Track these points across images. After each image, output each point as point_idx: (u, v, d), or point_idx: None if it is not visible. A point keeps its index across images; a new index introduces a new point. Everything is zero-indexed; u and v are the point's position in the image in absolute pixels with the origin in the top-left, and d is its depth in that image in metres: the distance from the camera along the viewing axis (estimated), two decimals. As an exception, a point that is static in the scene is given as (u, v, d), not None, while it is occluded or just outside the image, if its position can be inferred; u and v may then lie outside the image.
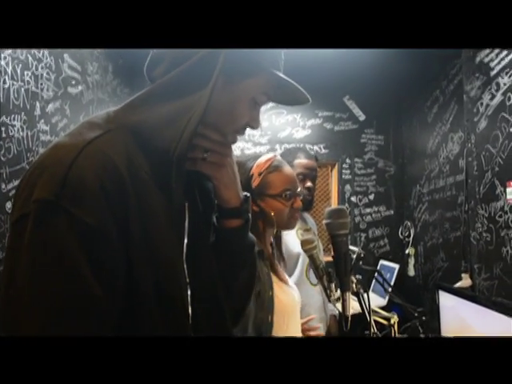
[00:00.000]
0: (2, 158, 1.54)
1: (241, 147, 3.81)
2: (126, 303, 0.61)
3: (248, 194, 0.86)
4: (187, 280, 0.72)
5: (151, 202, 0.65)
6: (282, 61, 0.77)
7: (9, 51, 1.60)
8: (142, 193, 0.64)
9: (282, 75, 0.74)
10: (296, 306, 1.34)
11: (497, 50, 2.31)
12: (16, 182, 1.63)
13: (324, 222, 1.13)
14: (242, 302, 0.89)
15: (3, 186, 1.54)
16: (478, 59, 2.50)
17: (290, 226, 1.36)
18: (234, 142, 0.78)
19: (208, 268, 0.78)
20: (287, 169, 1.34)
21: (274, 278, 1.29)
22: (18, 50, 1.68)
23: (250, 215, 0.85)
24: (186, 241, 0.73)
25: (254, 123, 0.77)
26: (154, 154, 0.67)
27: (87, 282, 0.56)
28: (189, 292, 0.72)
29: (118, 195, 0.59)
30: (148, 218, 0.64)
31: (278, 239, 1.44)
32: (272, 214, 1.27)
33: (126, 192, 0.61)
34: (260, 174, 1.29)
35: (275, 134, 3.88)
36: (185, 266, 0.72)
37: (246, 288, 0.89)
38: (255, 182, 1.28)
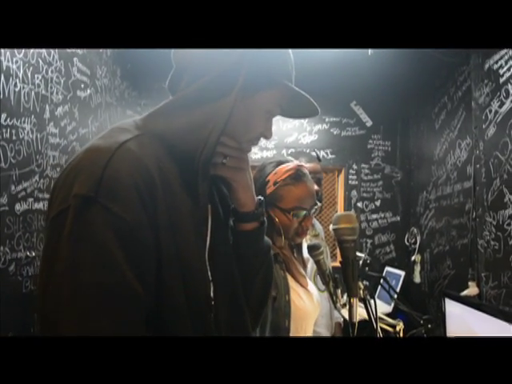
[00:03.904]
0: (12, 160, 1.55)
1: (247, 152, 3.81)
2: (155, 296, 0.64)
3: (262, 198, 0.88)
4: (210, 278, 0.75)
5: (178, 202, 0.69)
6: (293, 74, 0.80)
7: (20, 55, 1.62)
8: (170, 193, 0.68)
9: (295, 87, 0.78)
10: (315, 312, 1.32)
11: (506, 57, 2.30)
12: (25, 184, 1.64)
13: (332, 227, 1.13)
14: (259, 303, 0.91)
15: (12, 187, 1.55)
16: (486, 66, 2.50)
17: (295, 241, 1.32)
18: (249, 150, 0.82)
19: (228, 268, 0.82)
20: (305, 185, 1.25)
21: (292, 283, 1.27)
22: (29, 54, 1.69)
23: (265, 218, 0.88)
24: (208, 240, 0.77)
25: (268, 133, 0.81)
26: (180, 158, 0.72)
27: (124, 274, 0.59)
28: (212, 288, 0.75)
29: (149, 194, 0.63)
30: (175, 217, 0.68)
31: (300, 245, 1.42)
32: (279, 225, 1.23)
33: (155, 191, 0.65)
34: (275, 184, 1.23)
35: (282, 139, 3.88)
36: (207, 264, 0.75)
37: (263, 290, 0.91)
38: (269, 190, 1.23)
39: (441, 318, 2.14)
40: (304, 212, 1.24)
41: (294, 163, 1.28)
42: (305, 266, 1.44)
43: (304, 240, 1.87)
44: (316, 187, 1.99)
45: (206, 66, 0.72)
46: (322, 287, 1.87)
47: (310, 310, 1.30)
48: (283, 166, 1.26)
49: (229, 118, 0.70)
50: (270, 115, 0.80)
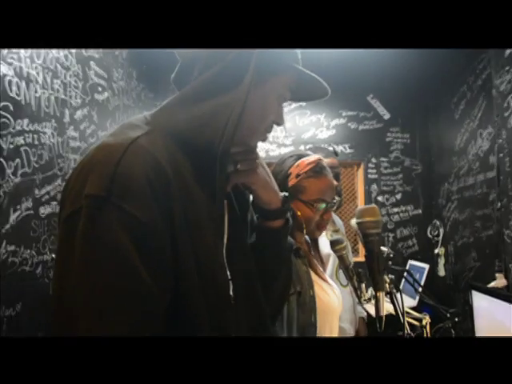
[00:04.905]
0: (35, 165, 1.58)
1: (265, 149, 3.81)
2: (173, 296, 0.62)
3: (287, 194, 0.86)
4: (228, 276, 0.73)
5: (193, 198, 0.67)
6: (300, 55, 0.78)
7: (39, 61, 1.64)
8: (185, 189, 0.65)
9: (303, 69, 0.76)
10: (339, 306, 1.32)
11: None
12: (48, 188, 1.67)
13: (355, 221, 1.11)
14: (279, 301, 0.90)
15: (36, 191, 1.58)
16: (507, 52, 2.43)
17: (315, 235, 1.32)
18: (265, 139, 0.79)
19: (247, 265, 0.79)
20: (327, 178, 1.28)
21: (314, 277, 1.27)
22: (48, 60, 1.72)
23: (290, 217, 0.86)
24: (226, 237, 0.75)
25: (280, 119, 0.79)
26: (194, 153, 0.69)
27: (140, 275, 0.57)
28: (231, 287, 0.73)
29: (163, 191, 0.61)
30: (190, 214, 0.65)
31: (315, 241, 1.41)
32: (301, 218, 1.24)
33: (170, 188, 0.62)
34: (298, 176, 1.25)
35: (299, 135, 3.87)
36: (225, 261, 0.73)
37: (284, 287, 0.90)
38: (291, 182, 1.25)
39: (468, 311, 2.10)
40: (325, 204, 1.25)
41: (314, 156, 1.30)
42: (322, 263, 1.43)
43: (324, 235, 1.86)
44: (334, 182, 1.98)
45: (217, 54, 0.69)
46: (345, 282, 1.86)
47: (335, 304, 1.29)
48: (305, 159, 1.28)
49: (244, 106, 0.68)
50: (282, 100, 0.78)
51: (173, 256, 0.62)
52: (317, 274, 1.30)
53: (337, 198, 1.33)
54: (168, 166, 0.63)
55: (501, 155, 2.55)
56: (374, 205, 1.17)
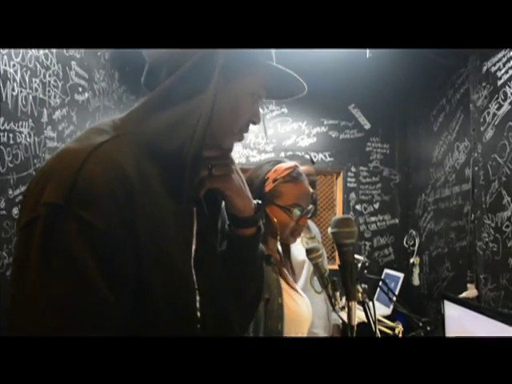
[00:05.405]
0: (10, 165, 1.55)
1: (246, 155, 3.81)
2: (135, 306, 0.60)
3: (260, 202, 0.86)
4: (196, 285, 0.71)
5: (159, 206, 0.65)
6: (274, 52, 0.77)
7: (18, 59, 1.62)
8: (150, 197, 0.63)
9: (277, 65, 0.74)
10: (309, 316, 1.32)
11: (504, 59, 2.31)
12: (23, 188, 1.64)
13: (330, 231, 1.12)
14: (250, 310, 0.89)
15: (10, 191, 1.55)
16: (484, 68, 2.50)
17: (289, 241, 1.33)
18: (241, 139, 0.78)
19: (216, 274, 0.77)
20: (304, 184, 1.30)
21: (284, 285, 1.27)
22: (27, 58, 1.69)
23: (262, 224, 0.85)
24: (194, 245, 0.73)
25: (256, 118, 0.77)
26: (162, 158, 0.67)
27: (97, 285, 0.55)
28: (198, 297, 0.71)
29: (126, 199, 0.59)
30: (156, 222, 0.63)
31: (288, 250, 1.42)
32: (276, 224, 1.24)
33: (134, 196, 0.60)
34: (275, 181, 1.26)
35: (280, 142, 3.88)
36: (193, 271, 0.71)
37: (255, 295, 0.89)
38: (268, 187, 1.26)
39: (440, 321, 2.14)
40: (301, 210, 1.26)
41: (291, 163, 1.32)
42: (293, 273, 1.43)
43: (300, 243, 1.87)
44: (310, 189, 2.00)
45: (183, 55, 0.67)
46: (319, 289, 1.87)
47: (304, 314, 1.29)
48: (282, 164, 1.29)
49: (214, 107, 0.66)
50: (256, 98, 0.76)
51: (135, 266, 0.60)
52: (287, 282, 1.30)
53: (311, 205, 1.34)
54: (133, 173, 0.61)
55: (476, 168, 2.61)
56: (349, 215, 1.19)
